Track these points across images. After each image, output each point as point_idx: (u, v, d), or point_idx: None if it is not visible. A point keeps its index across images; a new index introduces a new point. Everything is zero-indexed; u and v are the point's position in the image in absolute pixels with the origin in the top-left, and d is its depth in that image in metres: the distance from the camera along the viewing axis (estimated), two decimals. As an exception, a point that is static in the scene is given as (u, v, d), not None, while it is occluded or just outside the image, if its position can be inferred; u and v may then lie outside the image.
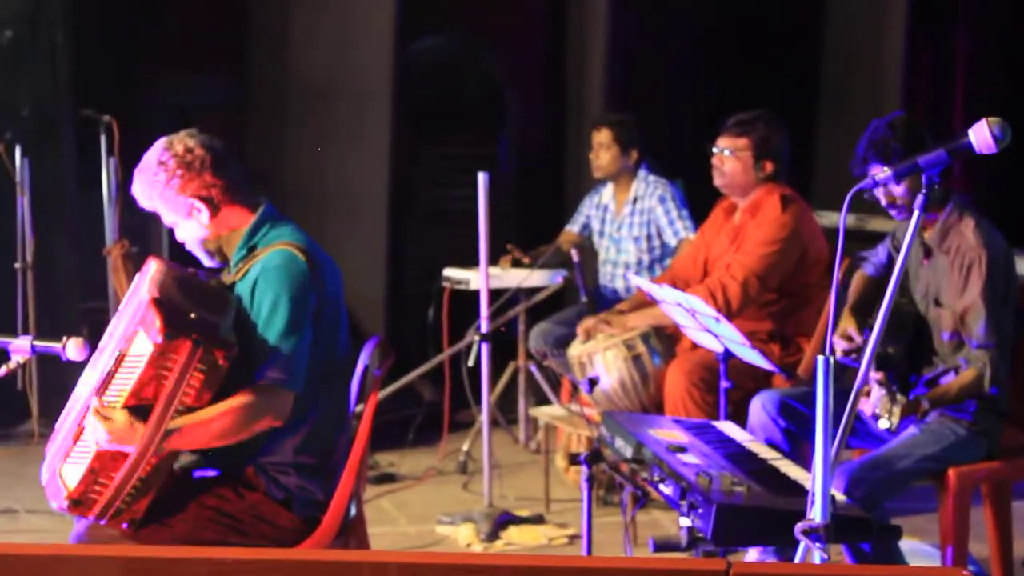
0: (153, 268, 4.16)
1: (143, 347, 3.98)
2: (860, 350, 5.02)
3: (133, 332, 4.02)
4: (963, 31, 9.08)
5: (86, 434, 4.06)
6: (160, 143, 4.27)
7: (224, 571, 2.65)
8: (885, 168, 3.46)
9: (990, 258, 4.87)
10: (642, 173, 7.27)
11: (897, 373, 4.95)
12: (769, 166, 6.15)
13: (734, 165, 6.18)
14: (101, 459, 4.02)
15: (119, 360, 4.04)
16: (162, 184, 4.21)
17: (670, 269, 6.63)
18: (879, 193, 4.97)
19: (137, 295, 4.17)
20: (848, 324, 5.19)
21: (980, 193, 8.30)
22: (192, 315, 4.02)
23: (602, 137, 7.29)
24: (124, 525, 4.05)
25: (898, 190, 4.93)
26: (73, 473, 4.06)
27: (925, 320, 5.09)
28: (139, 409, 3.98)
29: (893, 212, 5.05)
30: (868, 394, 4.51)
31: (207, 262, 4.37)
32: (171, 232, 4.40)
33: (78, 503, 4.03)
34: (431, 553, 4.50)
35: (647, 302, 6.27)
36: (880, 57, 8.89)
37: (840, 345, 5.08)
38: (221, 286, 4.26)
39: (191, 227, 4.28)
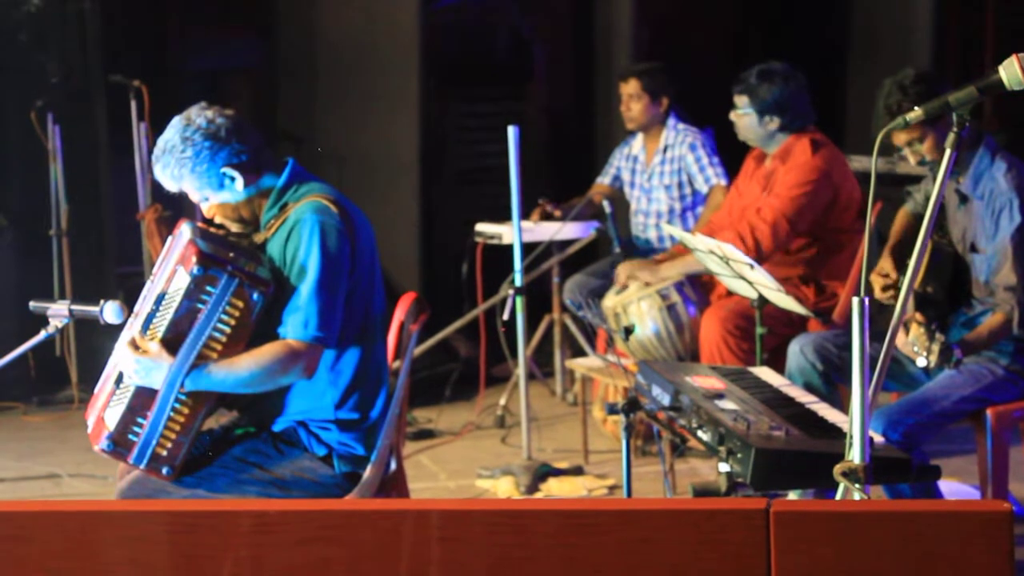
0: (186, 227, 4.18)
1: (181, 282, 4.04)
2: (897, 286, 5.01)
3: (172, 271, 4.09)
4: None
5: (126, 375, 4.11)
6: (176, 122, 4.23)
7: (267, 523, 2.67)
8: (916, 109, 3.43)
9: (1022, 202, 4.87)
10: (671, 122, 7.25)
11: (937, 312, 4.95)
12: (774, 122, 6.15)
13: (744, 122, 6.24)
14: (140, 397, 4.08)
15: (158, 300, 4.10)
16: (192, 160, 4.18)
17: (708, 224, 6.61)
18: (907, 153, 5.00)
19: (171, 254, 4.19)
20: (886, 263, 5.18)
21: (1013, 131, 8.26)
22: (230, 254, 4.08)
23: (631, 88, 7.26)
24: (164, 471, 4.09)
25: (924, 147, 4.94)
26: (114, 414, 4.11)
27: (964, 260, 5.09)
28: (173, 342, 4.04)
29: (925, 168, 5.08)
30: (907, 334, 4.50)
31: (235, 228, 4.36)
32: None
33: (117, 443, 4.07)
34: (473, 500, 4.52)
35: (683, 253, 6.27)
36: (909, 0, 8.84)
37: (878, 282, 5.08)
38: (253, 245, 4.28)
39: (224, 198, 4.26)
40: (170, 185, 4.28)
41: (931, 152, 4.96)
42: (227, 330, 4.05)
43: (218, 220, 4.33)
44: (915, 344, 4.39)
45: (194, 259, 4.01)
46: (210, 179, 4.22)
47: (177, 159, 4.20)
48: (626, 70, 7.44)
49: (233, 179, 4.22)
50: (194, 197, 4.30)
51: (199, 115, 4.21)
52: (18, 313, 6.73)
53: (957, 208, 5.07)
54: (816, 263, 6.18)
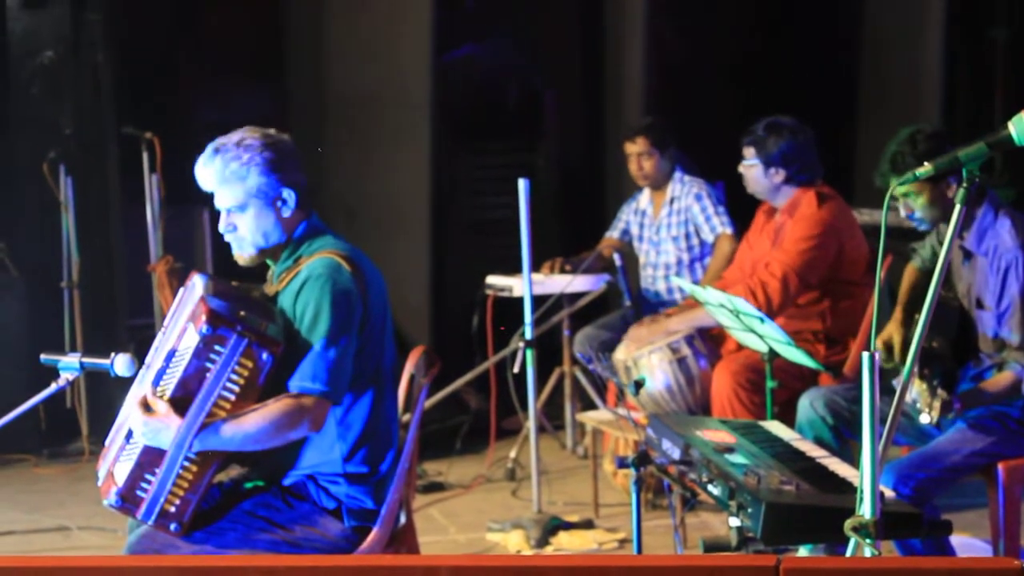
0: (199, 280, 4.18)
1: (191, 340, 4.02)
2: (897, 367, 5.01)
3: (183, 328, 4.07)
4: (1002, 25, 9.04)
5: (135, 431, 4.10)
6: (251, 128, 4.22)
7: (277, 579, 2.66)
8: (927, 164, 3.43)
9: None
10: (677, 174, 7.27)
11: (942, 367, 4.94)
12: (779, 175, 6.16)
13: (751, 173, 6.27)
14: (149, 454, 4.06)
15: (168, 356, 4.09)
16: (266, 163, 4.15)
17: (721, 278, 6.61)
18: (899, 205, 5.00)
19: (183, 308, 4.19)
20: (894, 329, 5.16)
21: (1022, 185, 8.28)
22: (240, 313, 4.06)
23: (639, 146, 7.26)
24: (173, 527, 4.07)
25: (918, 203, 4.94)
26: (123, 470, 4.10)
27: (970, 315, 5.08)
28: (181, 402, 4.01)
29: (915, 223, 5.07)
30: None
31: (244, 259, 4.28)
32: (215, 247, 4.36)
33: (125, 499, 4.05)
34: (483, 556, 4.50)
35: (693, 306, 6.27)
36: (919, 53, 8.87)
37: (879, 355, 5.07)
38: (264, 297, 4.28)
39: (265, 220, 4.21)
40: (212, 179, 4.18)
41: (923, 209, 4.96)
42: (236, 390, 4.02)
43: (237, 242, 4.25)
44: (917, 400, 4.38)
45: (204, 318, 3.98)
46: (268, 191, 4.18)
47: (252, 155, 4.15)
48: (631, 129, 7.41)
49: (285, 202, 4.21)
50: (227, 201, 4.20)
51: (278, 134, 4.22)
52: (29, 365, 6.74)
53: (962, 264, 5.07)
54: (827, 317, 6.18)
